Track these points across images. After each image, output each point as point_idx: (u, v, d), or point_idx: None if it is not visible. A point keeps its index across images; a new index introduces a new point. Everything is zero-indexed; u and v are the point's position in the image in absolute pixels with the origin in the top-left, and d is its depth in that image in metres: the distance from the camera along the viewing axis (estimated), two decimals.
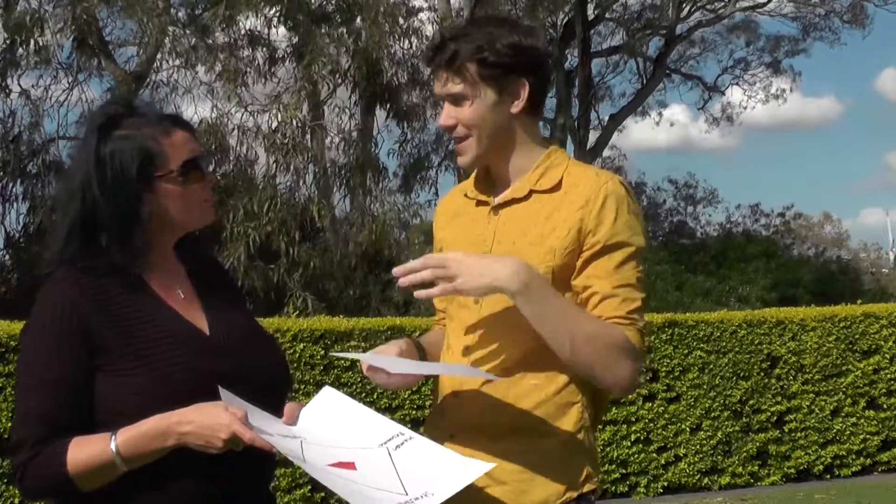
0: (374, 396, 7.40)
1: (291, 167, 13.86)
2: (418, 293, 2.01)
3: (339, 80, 14.63)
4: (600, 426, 7.84)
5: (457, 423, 2.12)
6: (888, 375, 9.05)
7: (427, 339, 2.33)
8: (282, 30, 14.83)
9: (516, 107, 2.10)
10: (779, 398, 8.76)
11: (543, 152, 2.17)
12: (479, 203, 2.21)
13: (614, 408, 8.22)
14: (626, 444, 8.28)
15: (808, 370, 8.86)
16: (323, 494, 7.21)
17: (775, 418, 8.75)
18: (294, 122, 13.56)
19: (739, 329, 8.75)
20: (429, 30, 15.90)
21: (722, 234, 26.12)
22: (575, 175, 2.13)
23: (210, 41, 14.24)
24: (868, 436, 8.96)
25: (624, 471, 8.27)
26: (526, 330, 2.03)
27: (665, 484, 8.37)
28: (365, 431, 1.86)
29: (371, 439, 1.83)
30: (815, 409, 8.84)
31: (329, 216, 13.81)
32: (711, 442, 8.53)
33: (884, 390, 9.03)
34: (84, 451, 1.75)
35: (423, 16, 16.38)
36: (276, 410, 1.86)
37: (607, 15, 23.24)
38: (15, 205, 15.03)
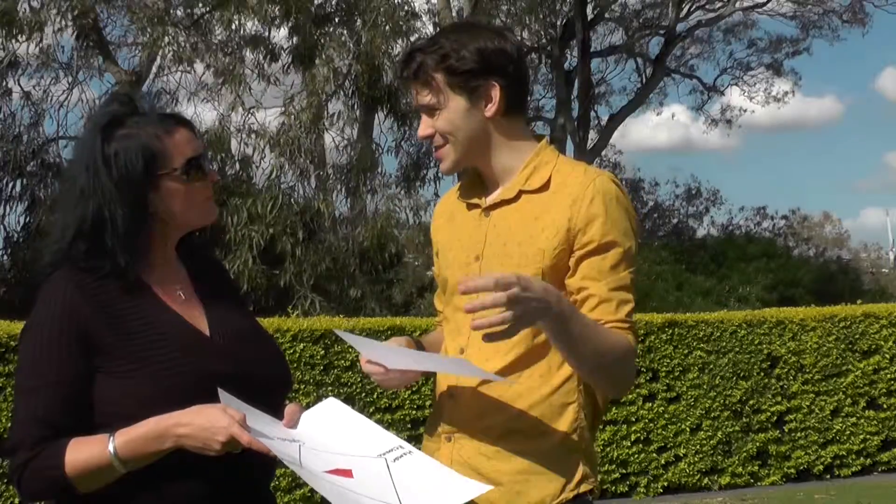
0: (374, 396, 7.41)
1: (294, 169, 13.88)
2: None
3: (341, 82, 14.64)
4: (600, 426, 7.83)
5: (453, 423, 2.12)
6: (888, 375, 9.04)
7: (427, 339, 2.33)
8: (283, 31, 14.85)
9: (489, 110, 2.10)
10: (779, 398, 8.76)
11: (531, 151, 2.16)
12: (471, 206, 2.21)
13: (614, 408, 8.22)
14: (626, 444, 8.28)
15: (808, 370, 8.86)
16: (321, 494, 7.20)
17: (775, 418, 8.75)
18: (299, 125, 13.58)
19: (739, 329, 8.75)
20: (429, 30, 15.90)
21: (724, 236, 26.10)
22: (564, 173, 2.12)
23: (212, 44, 14.24)
24: (868, 436, 8.96)
25: (624, 471, 8.27)
26: (522, 332, 2.04)
27: (665, 484, 8.37)
28: (364, 441, 1.85)
29: (370, 449, 1.83)
30: (815, 409, 8.84)
31: (331, 217, 13.82)
32: (711, 442, 8.53)
33: (884, 390, 9.03)
34: (82, 452, 1.75)
35: (421, 11, 16.38)
36: (276, 411, 1.86)
37: (607, 15, 23.23)
38: (15, 205, 15.03)
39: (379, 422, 7.41)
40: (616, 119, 24.05)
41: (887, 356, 9.07)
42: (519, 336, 2.03)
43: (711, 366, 8.61)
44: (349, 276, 13.46)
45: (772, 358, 8.82)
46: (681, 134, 48.70)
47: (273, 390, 1.95)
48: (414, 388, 7.44)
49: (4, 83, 14.92)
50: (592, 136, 23.17)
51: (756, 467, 8.66)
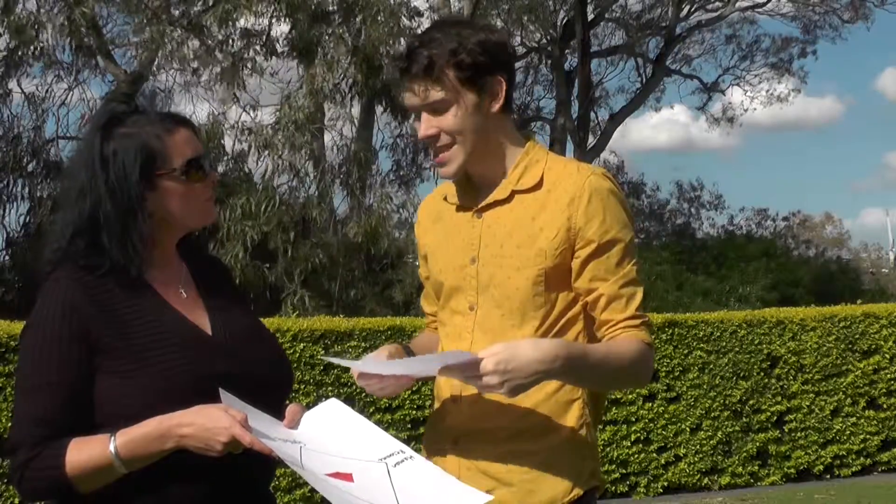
0: (374, 396, 7.39)
1: (283, 163, 13.86)
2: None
3: (339, 80, 14.64)
4: (600, 426, 7.84)
5: (459, 428, 2.11)
6: (888, 375, 9.04)
7: (416, 343, 2.31)
8: (282, 28, 14.85)
9: (495, 106, 2.08)
10: (779, 398, 8.76)
11: (521, 150, 2.14)
12: (460, 208, 2.18)
13: (614, 408, 8.22)
14: (626, 444, 8.28)
15: (808, 370, 8.86)
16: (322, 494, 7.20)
17: (775, 418, 8.75)
18: (295, 121, 13.56)
19: (739, 329, 8.74)
20: (426, 24, 15.89)
21: (724, 237, 26.09)
22: (556, 171, 2.11)
23: (210, 42, 14.24)
24: (868, 436, 8.96)
25: (624, 471, 8.27)
26: (522, 333, 2.03)
27: (665, 484, 8.36)
28: (366, 445, 1.84)
29: (371, 453, 1.82)
30: (815, 409, 8.84)
31: (326, 211, 13.81)
32: (711, 442, 8.53)
33: (884, 390, 9.03)
34: (83, 452, 1.74)
35: (420, 5, 16.38)
36: (278, 410, 1.86)
37: (607, 15, 23.22)
38: (15, 205, 15.04)
39: (379, 422, 7.43)
40: (616, 119, 24.04)
41: (887, 356, 9.07)
42: (521, 338, 2.03)
43: (711, 366, 8.61)
44: (342, 274, 13.44)
45: (772, 358, 8.82)
46: (681, 134, 48.76)
47: (275, 390, 1.95)
48: (414, 388, 7.44)
49: (5, 84, 14.92)
50: (592, 136, 23.16)
51: (756, 467, 8.66)
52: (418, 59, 2.03)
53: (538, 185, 2.10)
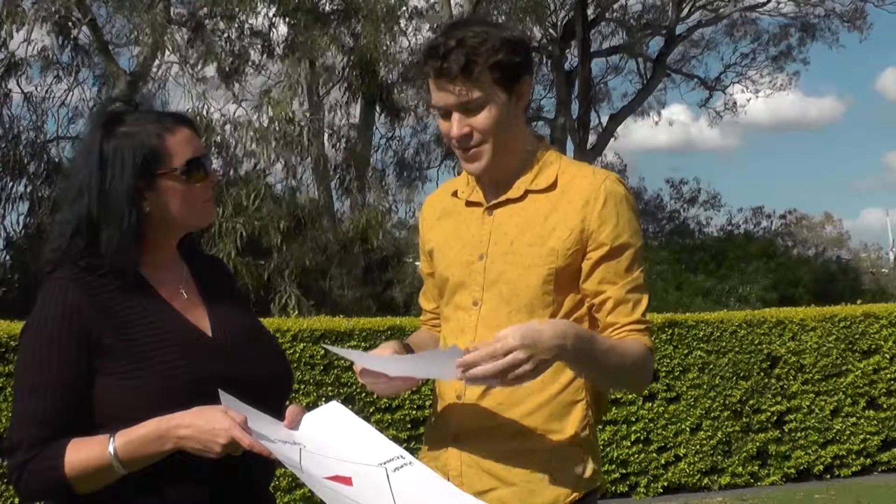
0: (374, 396, 7.39)
1: (283, 161, 13.89)
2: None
3: (338, 77, 14.65)
4: (600, 426, 7.84)
5: (461, 426, 2.11)
6: (888, 375, 9.04)
7: (414, 340, 2.31)
8: (281, 29, 14.87)
9: (521, 106, 2.09)
10: (779, 398, 8.76)
11: (535, 150, 2.15)
12: (470, 203, 2.18)
13: (614, 408, 8.22)
14: (626, 444, 8.27)
15: (808, 370, 8.86)
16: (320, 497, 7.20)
17: (775, 418, 8.74)
18: (284, 116, 13.56)
19: (739, 329, 8.74)
20: (427, 28, 15.89)
21: (723, 236, 26.08)
22: (570, 174, 2.12)
23: (207, 40, 14.24)
24: (868, 436, 8.96)
25: (624, 471, 8.27)
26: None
27: (665, 484, 8.36)
28: (366, 449, 1.84)
29: (371, 457, 1.82)
30: (815, 409, 8.84)
31: (319, 208, 13.82)
32: (711, 442, 8.52)
33: (884, 390, 9.03)
34: (82, 453, 1.74)
35: (420, 5, 16.37)
36: (278, 411, 1.86)
37: (607, 15, 23.22)
38: (15, 205, 15.04)
39: (379, 422, 7.43)
40: (616, 119, 24.05)
41: (887, 356, 9.06)
42: None
43: (711, 366, 8.61)
44: (333, 273, 13.44)
45: (772, 358, 8.82)
46: (681, 134, 48.69)
47: (275, 390, 1.95)
48: (414, 388, 7.42)
49: (5, 84, 14.91)
50: (592, 136, 23.17)
51: (756, 467, 8.66)
52: (455, 58, 2.00)
53: (552, 186, 2.11)
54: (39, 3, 13.85)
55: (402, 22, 14.72)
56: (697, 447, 8.48)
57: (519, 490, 2.04)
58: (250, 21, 14.57)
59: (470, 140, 2.06)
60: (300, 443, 1.80)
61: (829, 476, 8.83)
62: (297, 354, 7.29)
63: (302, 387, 7.19)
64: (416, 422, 7.39)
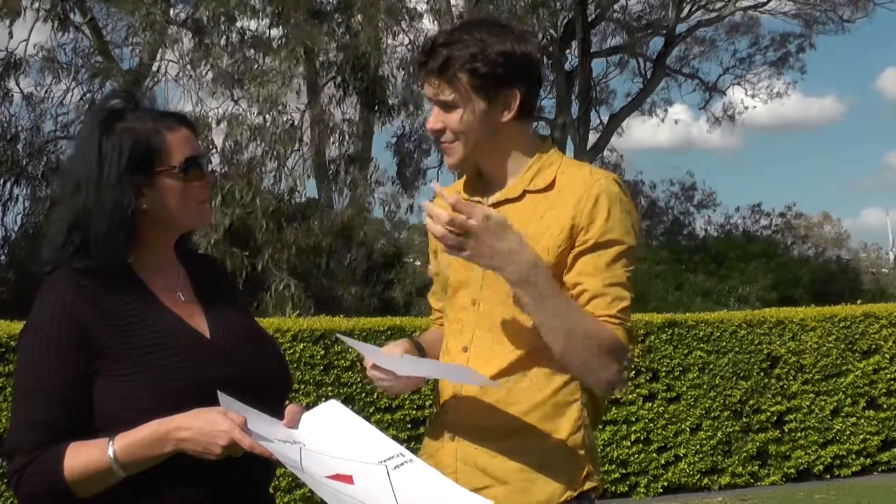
0: (374, 396, 7.39)
1: (276, 156, 13.89)
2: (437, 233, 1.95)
3: (334, 71, 14.66)
4: (600, 426, 7.83)
5: (457, 424, 2.13)
6: (888, 375, 9.04)
7: (425, 338, 2.33)
8: (278, 27, 14.87)
9: (506, 116, 2.09)
10: (779, 398, 8.75)
11: (535, 152, 2.16)
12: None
13: (614, 408, 8.21)
14: (626, 444, 8.27)
15: (808, 370, 8.86)
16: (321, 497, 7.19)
17: (775, 418, 8.74)
18: (277, 110, 13.58)
19: (739, 329, 8.74)
20: (426, 24, 15.90)
21: (722, 235, 26.10)
22: (569, 174, 2.12)
23: (207, 41, 14.24)
24: (868, 436, 8.95)
25: (624, 471, 8.26)
26: (524, 330, 2.04)
27: (665, 484, 8.36)
28: (366, 447, 1.84)
29: (371, 455, 1.82)
30: (815, 409, 8.83)
31: (310, 202, 13.84)
32: (711, 442, 8.52)
33: (884, 390, 9.03)
34: (81, 456, 1.73)
35: (420, 8, 16.37)
36: (277, 413, 1.85)
37: (607, 15, 23.22)
38: (13, 205, 15.04)
39: (379, 422, 7.43)
40: (616, 119, 24.05)
41: (887, 356, 9.06)
42: (522, 335, 2.05)
43: (711, 366, 8.61)
44: (331, 269, 13.45)
45: (772, 358, 8.82)
46: (682, 134, 48.77)
47: (274, 392, 1.94)
48: (414, 388, 7.42)
49: (4, 84, 14.91)
50: (593, 136, 23.18)
51: (756, 467, 8.66)
52: (436, 56, 2.06)
53: (550, 187, 2.11)
54: (40, 3, 13.85)
55: (403, 24, 14.73)
56: (697, 447, 8.48)
57: (511, 489, 2.04)
58: (249, 21, 14.58)
59: (442, 135, 2.12)
60: (300, 442, 1.79)
61: (829, 476, 8.83)
62: (297, 354, 7.28)
63: (302, 387, 7.19)
64: (416, 422, 7.38)
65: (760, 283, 20.71)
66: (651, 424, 8.37)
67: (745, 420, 8.64)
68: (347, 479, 1.73)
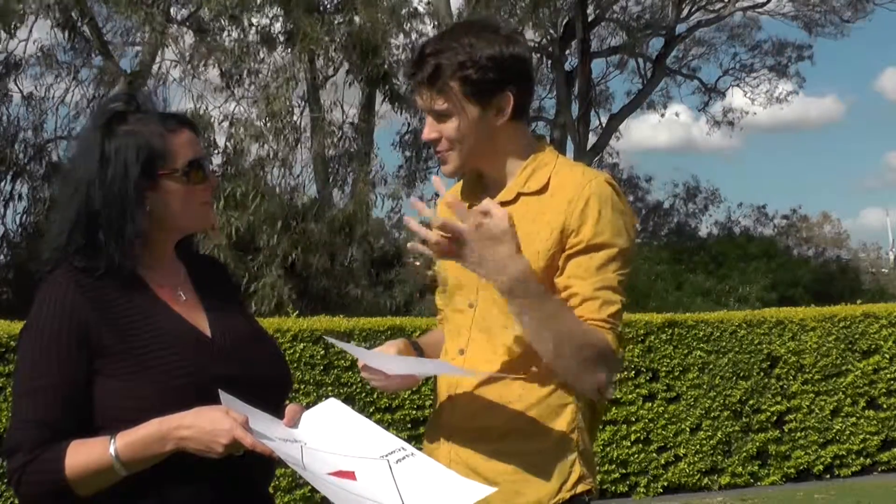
0: (374, 396, 7.40)
1: (280, 154, 13.89)
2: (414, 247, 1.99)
3: (338, 63, 14.65)
4: (600, 426, 7.83)
5: (451, 424, 2.13)
6: (888, 375, 9.04)
7: (425, 339, 2.33)
8: (280, 22, 14.86)
9: (500, 119, 2.09)
10: (779, 398, 8.76)
11: (532, 154, 2.15)
12: (471, 207, 2.19)
13: (614, 408, 8.21)
14: (626, 444, 8.27)
15: (807, 370, 8.86)
16: (324, 495, 7.20)
17: (775, 418, 8.74)
18: (281, 108, 13.56)
19: (739, 329, 8.74)
20: (427, 20, 15.88)
21: (724, 233, 26.10)
22: (562, 176, 2.12)
23: (207, 40, 14.24)
24: (868, 436, 8.95)
25: (624, 471, 8.26)
26: (514, 331, 2.04)
27: (665, 484, 8.36)
28: (367, 442, 1.84)
29: (372, 450, 1.82)
30: (815, 409, 8.84)
31: (313, 200, 13.83)
32: (711, 442, 8.52)
33: (883, 390, 9.03)
34: (82, 455, 1.73)
35: (420, 8, 16.37)
36: (277, 412, 1.85)
37: (607, 15, 23.22)
38: (13, 205, 15.04)
39: (379, 422, 7.40)
40: (616, 119, 24.06)
41: (887, 356, 9.06)
42: (517, 339, 2.05)
43: (711, 366, 8.61)
44: (333, 268, 13.44)
45: (772, 358, 8.82)
46: (682, 134, 48.70)
47: (274, 392, 1.94)
48: (414, 388, 7.43)
49: (4, 83, 14.91)
50: (593, 136, 23.18)
51: (756, 467, 8.66)
52: (425, 66, 2.06)
53: (543, 189, 2.11)
54: (40, 3, 13.85)
55: (404, 23, 14.72)
56: (697, 447, 8.48)
57: (503, 490, 2.03)
58: (252, 20, 14.57)
59: (438, 144, 2.12)
60: (301, 441, 1.80)
61: (829, 476, 8.83)
62: (297, 354, 7.29)
63: (302, 387, 7.19)
64: (416, 422, 7.39)
65: (760, 283, 20.72)
66: (651, 424, 8.37)
67: (744, 420, 8.65)
68: (350, 476, 1.74)
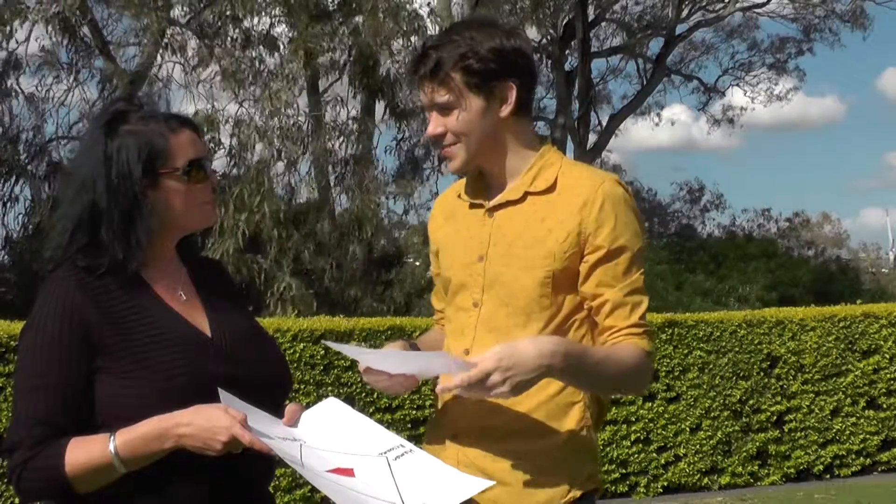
0: (374, 396, 7.40)
1: (284, 157, 13.90)
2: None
3: (339, 70, 14.66)
4: (600, 426, 7.81)
5: (458, 424, 2.12)
6: (888, 375, 9.04)
7: (424, 339, 2.33)
8: (282, 26, 14.88)
9: (505, 111, 2.09)
10: (779, 398, 8.76)
11: (536, 152, 2.16)
12: (473, 205, 2.20)
13: (614, 408, 8.21)
14: (626, 444, 8.28)
15: (807, 370, 8.86)
16: (323, 494, 7.20)
17: (775, 418, 8.74)
18: (285, 112, 13.57)
19: (739, 329, 8.74)
20: (428, 24, 15.89)
21: (726, 236, 26.12)
22: (570, 175, 2.12)
23: (210, 42, 14.24)
24: (868, 436, 8.96)
25: (624, 471, 8.27)
26: (525, 332, 2.04)
27: (665, 484, 8.36)
28: (366, 440, 1.85)
29: (371, 448, 1.83)
30: (815, 408, 8.84)
31: (318, 202, 13.84)
32: (711, 442, 8.52)
33: (883, 390, 9.03)
34: (82, 452, 1.74)
35: (423, 11, 16.37)
36: (277, 411, 1.86)
37: (607, 15, 23.22)
38: (14, 205, 15.04)
39: (379, 422, 7.40)
40: (616, 119, 24.06)
41: (887, 356, 9.06)
42: (523, 336, 2.03)
43: (711, 366, 8.61)
44: (334, 267, 13.46)
45: (771, 358, 8.82)
46: (682, 133, 48.76)
47: (273, 392, 1.95)
48: (414, 388, 7.43)
49: (5, 83, 14.91)
50: (593, 136, 23.18)
51: (756, 467, 8.66)
52: (427, 60, 2.07)
53: (551, 188, 2.11)
54: (40, 3, 13.85)
55: (404, 24, 14.71)
56: (697, 447, 8.48)
57: (513, 490, 2.04)
58: (253, 22, 14.59)
59: (443, 139, 2.12)
60: (300, 439, 1.80)
61: (828, 476, 8.83)
62: (297, 354, 7.29)
63: (302, 387, 7.19)
64: (416, 422, 7.39)
65: (760, 283, 20.73)
66: (651, 424, 8.37)
67: (744, 420, 8.65)
68: (348, 472, 1.75)
